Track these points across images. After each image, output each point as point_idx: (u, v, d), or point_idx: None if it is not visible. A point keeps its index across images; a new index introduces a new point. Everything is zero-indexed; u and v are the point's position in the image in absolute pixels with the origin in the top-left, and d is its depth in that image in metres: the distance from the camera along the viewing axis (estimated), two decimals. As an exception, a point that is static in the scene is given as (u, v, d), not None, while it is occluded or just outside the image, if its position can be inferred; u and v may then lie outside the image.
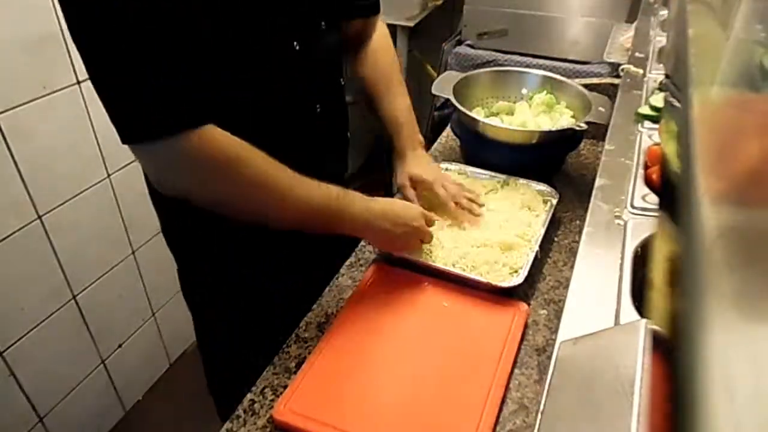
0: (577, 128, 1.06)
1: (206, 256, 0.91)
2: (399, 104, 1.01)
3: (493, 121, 1.18)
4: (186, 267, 0.95)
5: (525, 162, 1.11)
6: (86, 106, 1.34)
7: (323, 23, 0.83)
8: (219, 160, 0.66)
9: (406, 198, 0.99)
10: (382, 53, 1.02)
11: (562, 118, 1.18)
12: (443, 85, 1.17)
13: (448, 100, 1.14)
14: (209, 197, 0.71)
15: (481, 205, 1.00)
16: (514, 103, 1.26)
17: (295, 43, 0.77)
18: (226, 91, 0.69)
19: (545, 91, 1.24)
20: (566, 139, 1.12)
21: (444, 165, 1.14)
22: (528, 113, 1.20)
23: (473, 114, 1.14)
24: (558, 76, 1.24)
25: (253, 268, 0.90)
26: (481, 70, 1.28)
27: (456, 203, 0.97)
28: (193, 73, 0.64)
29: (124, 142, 0.65)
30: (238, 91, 0.72)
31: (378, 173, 2.34)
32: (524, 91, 1.26)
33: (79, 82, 1.31)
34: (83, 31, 0.60)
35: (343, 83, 0.93)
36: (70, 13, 0.60)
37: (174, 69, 0.62)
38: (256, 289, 0.92)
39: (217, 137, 0.66)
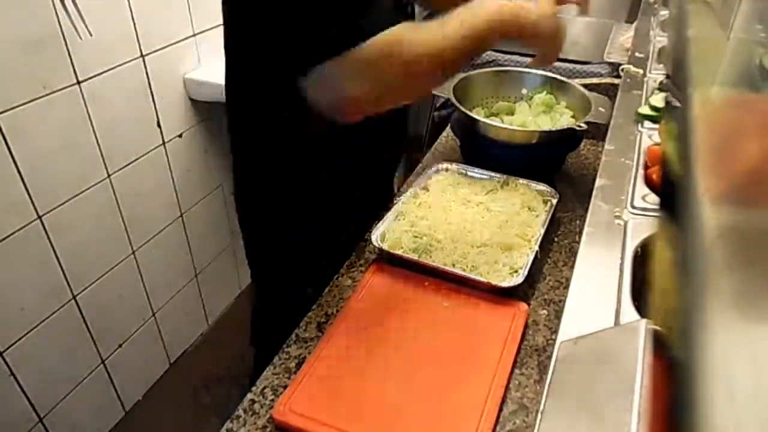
0: (577, 128, 1.06)
1: (275, 218, 1.03)
2: None
3: (493, 121, 1.18)
4: (253, 227, 1.07)
5: (525, 162, 1.11)
6: (86, 106, 1.34)
7: None
8: (390, 48, 0.76)
9: None
10: None
11: (562, 118, 1.18)
12: (443, 85, 1.17)
13: (448, 100, 1.14)
14: (391, 86, 0.79)
15: None
16: (514, 103, 1.26)
17: (410, 6, 0.92)
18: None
19: (545, 91, 1.24)
20: (566, 139, 1.12)
21: (444, 165, 1.14)
22: (528, 113, 1.20)
23: (473, 114, 1.14)
24: (558, 76, 1.24)
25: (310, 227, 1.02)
26: (481, 70, 1.28)
27: None
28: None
29: (317, 61, 0.75)
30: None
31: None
32: (524, 91, 1.26)
33: (79, 82, 1.31)
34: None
35: None
36: None
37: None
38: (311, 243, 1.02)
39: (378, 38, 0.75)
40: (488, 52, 2.09)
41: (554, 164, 1.20)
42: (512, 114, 1.23)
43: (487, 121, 1.12)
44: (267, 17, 0.77)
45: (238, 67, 0.90)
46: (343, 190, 1.01)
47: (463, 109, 1.11)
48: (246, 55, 0.86)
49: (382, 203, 1.08)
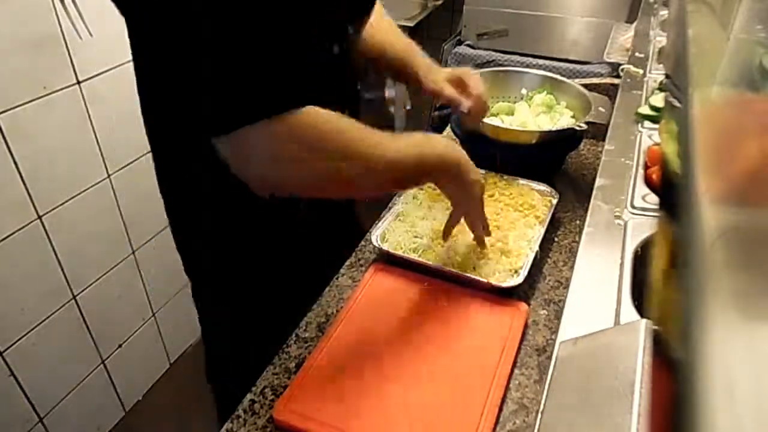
0: (578, 128, 1.06)
1: (217, 252, 0.92)
2: (404, 41, 1.00)
3: (493, 121, 1.18)
4: (195, 262, 0.96)
5: (525, 162, 1.11)
6: (86, 106, 1.34)
7: (350, 28, 0.84)
8: (314, 135, 0.67)
9: (448, 98, 0.99)
10: (379, 20, 0.99)
11: (562, 118, 1.18)
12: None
13: (448, 100, 1.14)
14: (303, 175, 0.70)
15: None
16: (514, 103, 1.26)
17: (335, 46, 0.78)
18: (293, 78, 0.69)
19: (545, 92, 1.23)
20: (566, 139, 1.12)
21: (444, 165, 1.14)
22: (528, 113, 1.20)
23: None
24: (558, 76, 1.24)
25: (262, 263, 0.91)
26: (481, 70, 1.28)
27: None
28: (276, 59, 0.64)
29: (218, 132, 0.64)
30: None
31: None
32: (524, 91, 1.26)
33: (79, 82, 1.31)
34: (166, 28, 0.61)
35: (359, 87, 0.95)
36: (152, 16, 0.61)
37: (262, 55, 0.63)
38: (264, 283, 0.93)
39: (311, 114, 0.66)
40: (488, 52, 2.09)
41: (554, 164, 1.20)
42: (512, 114, 1.23)
43: (487, 120, 1.12)
44: (179, 65, 0.64)
45: (155, 120, 0.80)
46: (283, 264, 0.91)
47: None
48: (160, 110, 0.75)
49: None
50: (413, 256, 0.91)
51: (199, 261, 0.94)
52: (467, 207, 0.85)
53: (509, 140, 1.10)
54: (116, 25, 1.40)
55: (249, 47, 0.62)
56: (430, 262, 0.90)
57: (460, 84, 1.00)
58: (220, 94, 0.62)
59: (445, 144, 0.79)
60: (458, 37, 2.19)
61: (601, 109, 1.09)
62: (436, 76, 1.01)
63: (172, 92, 0.68)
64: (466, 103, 0.99)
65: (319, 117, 0.67)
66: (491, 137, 1.11)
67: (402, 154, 0.73)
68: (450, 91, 0.99)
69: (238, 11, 0.60)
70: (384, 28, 1.00)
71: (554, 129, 1.11)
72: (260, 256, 0.90)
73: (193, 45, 0.60)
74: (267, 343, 0.84)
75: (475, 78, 1.00)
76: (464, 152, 0.80)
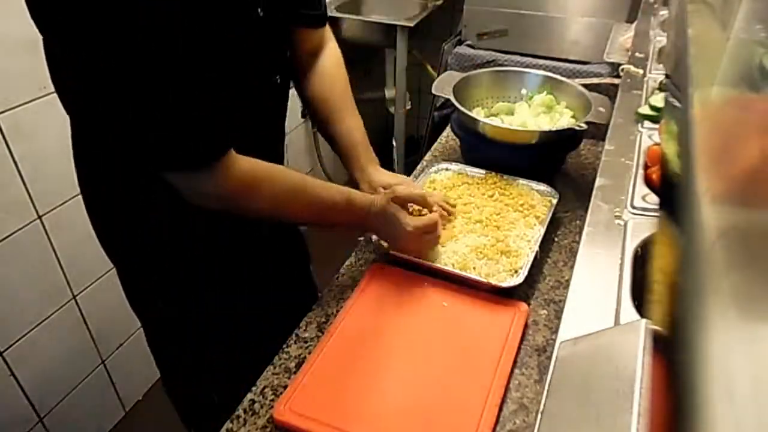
0: (578, 128, 1.06)
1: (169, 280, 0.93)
2: (353, 123, 0.99)
3: (493, 121, 1.18)
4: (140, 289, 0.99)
5: (525, 162, 1.11)
6: (86, 106, 1.34)
7: (288, 52, 0.90)
8: (249, 181, 0.74)
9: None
10: (334, 71, 0.99)
11: (562, 118, 1.18)
12: (443, 85, 1.17)
13: (448, 100, 1.14)
14: (241, 211, 0.77)
15: (453, 206, 1.00)
16: (514, 103, 1.26)
17: (277, 77, 0.85)
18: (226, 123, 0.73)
19: (545, 92, 1.24)
20: (566, 139, 1.12)
21: (444, 165, 1.14)
22: (528, 113, 1.20)
23: (473, 114, 1.14)
24: (558, 77, 1.24)
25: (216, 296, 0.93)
26: (481, 70, 1.28)
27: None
28: (213, 105, 0.69)
29: (158, 169, 0.70)
30: (232, 123, 0.76)
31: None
32: (524, 91, 1.26)
33: (79, 82, 1.31)
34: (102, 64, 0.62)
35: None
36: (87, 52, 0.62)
37: (198, 101, 0.67)
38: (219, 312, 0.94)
39: (242, 161, 0.73)
40: (488, 52, 2.09)
41: (554, 164, 1.20)
42: (512, 114, 1.23)
43: (487, 121, 1.12)
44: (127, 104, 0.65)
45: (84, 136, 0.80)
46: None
47: (463, 109, 1.11)
48: (111, 128, 0.74)
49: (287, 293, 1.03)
50: (413, 256, 0.91)
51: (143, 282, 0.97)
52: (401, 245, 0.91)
53: (509, 140, 1.10)
54: (116, 25, 1.38)
55: (198, 91, 0.66)
56: (430, 262, 0.90)
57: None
58: (174, 136, 0.67)
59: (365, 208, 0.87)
60: (458, 37, 2.19)
61: (600, 109, 1.09)
62: (376, 178, 1.00)
63: (123, 128, 0.70)
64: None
65: (254, 163, 0.75)
66: (491, 137, 1.11)
67: (331, 203, 0.83)
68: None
69: (189, 57, 0.64)
70: (339, 93, 0.99)
71: (554, 129, 1.11)
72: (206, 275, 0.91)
73: (146, 87, 0.63)
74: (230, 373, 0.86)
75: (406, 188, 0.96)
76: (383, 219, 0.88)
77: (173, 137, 0.66)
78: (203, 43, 0.66)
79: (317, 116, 0.99)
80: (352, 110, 1.00)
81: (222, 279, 0.92)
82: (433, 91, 1.18)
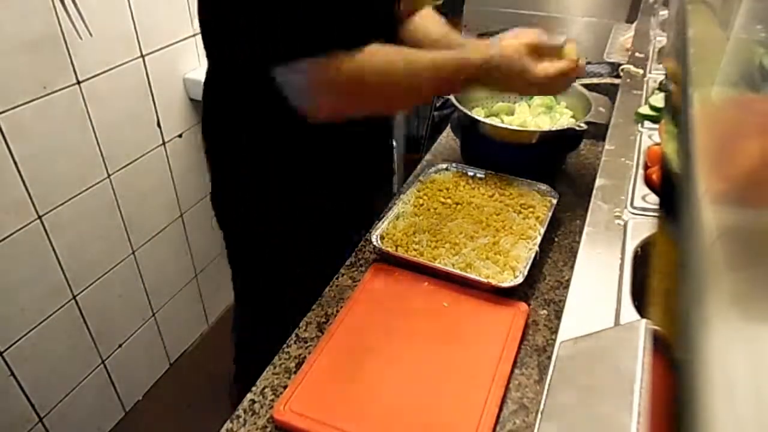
0: (578, 128, 1.06)
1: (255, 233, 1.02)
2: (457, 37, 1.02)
3: (493, 121, 1.18)
4: (235, 238, 1.07)
5: (525, 162, 1.11)
6: (86, 106, 1.34)
7: None
8: (360, 73, 0.76)
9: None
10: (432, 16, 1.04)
11: (562, 118, 1.18)
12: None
13: (448, 99, 1.14)
14: (357, 104, 0.81)
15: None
16: (514, 103, 1.26)
17: (400, 4, 0.90)
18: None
19: None
20: (566, 139, 1.12)
21: (444, 165, 1.14)
22: (528, 113, 1.20)
23: (473, 114, 1.14)
24: None
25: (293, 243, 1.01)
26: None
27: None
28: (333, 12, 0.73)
29: (290, 57, 0.72)
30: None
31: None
32: None
33: (79, 82, 1.31)
34: None
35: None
36: None
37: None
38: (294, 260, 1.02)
39: (352, 56, 0.75)
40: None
41: (554, 164, 1.20)
42: (512, 114, 1.23)
43: (487, 120, 1.12)
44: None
45: (219, 58, 0.88)
46: (327, 193, 0.99)
47: (463, 108, 1.11)
48: (226, 39, 0.82)
49: (371, 211, 1.07)
50: (413, 256, 0.91)
51: (239, 217, 1.03)
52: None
53: (509, 140, 1.10)
54: (116, 25, 1.40)
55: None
56: (430, 262, 0.90)
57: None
58: (300, 25, 0.70)
59: (489, 51, 0.83)
60: (458, 37, 2.19)
61: (601, 109, 1.09)
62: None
63: (247, 34, 0.74)
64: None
65: (376, 53, 0.76)
66: (491, 137, 1.11)
67: (441, 64, 0.81)
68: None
69: None
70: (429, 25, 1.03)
71: (554, 129, 1.11)
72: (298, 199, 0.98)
73: None
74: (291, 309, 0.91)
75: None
76: (516, 60, 0.83)
77: (294, 23, 0.70)
78: None
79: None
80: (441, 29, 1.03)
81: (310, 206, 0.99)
82: None
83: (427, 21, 1.02)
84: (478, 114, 1.20)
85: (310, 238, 1.01)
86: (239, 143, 0.94)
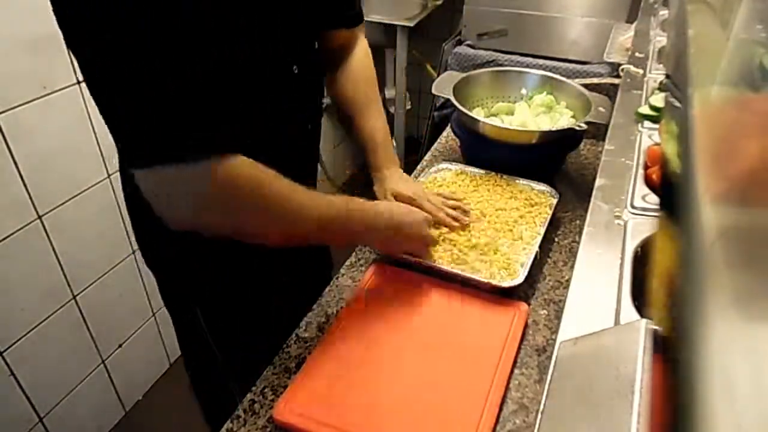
0: (578, 128, 1.06)
1: (193, 275, 0.91)
2: (377, 124, 0.99)
3: (493, 121, 1.18)
4: (170, 282, 0.97)
5: (525, 162, 1.11)
6: (86, 106, 1.34)
7: (316, 43, 0.84)
8: (242, 186, 0.64)
9: None
10: (362, 71, 0.98)
11: (562, 118, 1.18)
12: (443, 85, 1.17)
13: (448, 100, 1.14)
14: (228, 223, 0.68)
15: (466, 212, 0.99)
16: (514, 103, 1.26)
17: (294, 66, 0.77)
18: (232, 117, 0.66)
19: (545, 92, 1.24)
20: (566, 139, 1.12)
21: (444, 165, 1.14)
22: (528, 113, 1.20)
23: (473, 114, 1.14)
24: (558, 76, 1.24)
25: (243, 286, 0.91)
26: (481, 70, 1.28)
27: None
28: (212, 97, 0.60)
29: (141, 165, 0.60)
30: (242, 117, 0.70)
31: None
32: (524, 91, 1.26)
33: (79, 82, 1.31)
34: (91, 44, 0.56)
35: (324, 104, 0.95)
36: (75, 27, 0.57)
37: (194, 90, 0.59)
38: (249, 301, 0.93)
39: (239, 164, 0.63)
40: (488, 52, 2.09)
41: (554, 164, 1.20)
42: (512, 114, 1.23)
43: (487, 120, 1.12)
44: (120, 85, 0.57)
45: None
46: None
47: (463, 109, 1.11)
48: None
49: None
50: (413, 256, 0.91)
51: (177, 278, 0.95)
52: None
53: (509, 140, 1.10)
54: (116, 25, 1.37)
55: (198, 75, 0.58)
56: (430, 262, 0.90)
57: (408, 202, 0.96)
58: (163, 123, 0.58)
59: (373, 214, 0.82)
60: (458, 37, 2.19)
61: (601, 109, 1.09)
62: (389, 186, 0.98)
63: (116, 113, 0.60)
64: None
65: (253, 169, 0.64)
66: (491, 137, 1.11)
67: (329, 216, 0.74)
68: None
69: (192, 36, 0.57)
70: (366, 92, 0.98)
71: (554, 129, 1.11)
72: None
73: (139, 69, 0.55)
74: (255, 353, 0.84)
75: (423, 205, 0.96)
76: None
77: (176, 122, 0.58)
78: (211, 21, 0.59)
79: (343, 114, 1.00)
80: (377, 110, 0.99)
81: (249, 276, 0.90)
82: (433, 91, 1.18)
83: (359, 78, 0.97)
84: (478, 114, 1.20)
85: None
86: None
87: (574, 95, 1.19)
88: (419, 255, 0.90)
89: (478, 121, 1.10)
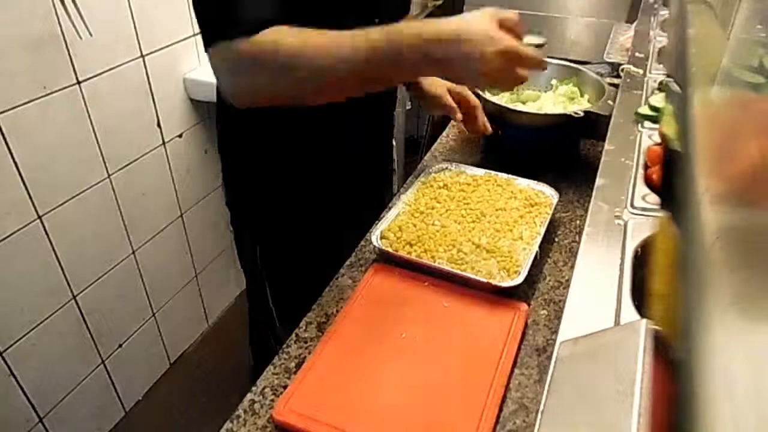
0: (574, 115, 1.08)
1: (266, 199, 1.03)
2: None
3: (497, 100, 1.22)
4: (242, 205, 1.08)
5: (524, 149, 1.16)
6: (86, 106, 1.34)
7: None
8: (263, 50, 0.69)
9: (447, 106, 1.07)
10: None
11: (576, 108, 1.21)
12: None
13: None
14: (276, 88, 0.72)
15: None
16: (545, 92, 1.31)
17: (376, 19, 0.82)
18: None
19: (571, 83, 1.29)
20: (565, 127, 1.16)
21: (444, 165, 1.14)
22: (550, 101, 1.26)
23: (486, 94, 1.21)
24: (584, 69, 1.30)
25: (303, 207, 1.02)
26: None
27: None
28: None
29: (212, 40, 0.70)
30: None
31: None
32: (553, 81, 1.32)
33: (79, 82, 1.31)
34: None
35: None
36: None
37: None
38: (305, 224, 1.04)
39: (267, 32, 0.68)
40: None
41: (553, 156, 1.22)
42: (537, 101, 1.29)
43: (489, 96, 1.19)
44: None
45: None
46: (332, 183, 1.02)
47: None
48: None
49: (378, 198, 1.10)
50: (413, 256, 0.91)
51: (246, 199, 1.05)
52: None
53: (509, 119, 1.16)
54: (116, 25, 1.40)
55: None
56: (430, 262, 0.90)
57: (458, 96, 1.08)
58: (210, 9, 0.70)
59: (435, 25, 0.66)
60: (458, 37, 2.19)
61: (609, 102, 1.11)
62: (437, 84, 1.08)
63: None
64: (459, 115, 1.08)
65: (281, 34, 0.68)
66: (490, 112, 1.16)
67: (372, 50, 0.66)
68: (448, 100, 1.07)
69: None
70: None
71: (547, 113, 1.17)
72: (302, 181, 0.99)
73: None
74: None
75: (471, 95, 1.08)
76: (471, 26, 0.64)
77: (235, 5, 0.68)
78: None
79: None
80: None
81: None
82: None
83: None
84: (502, 98, 1.27)
85: (311, 235, 1.04)
86: (249, 141, 0.97)
87: (597, 88, 1.24)
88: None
89: (481, 96, 1.16)
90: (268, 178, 1.00)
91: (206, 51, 0.72)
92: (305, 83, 0.70)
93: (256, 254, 1.07)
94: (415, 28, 0.65)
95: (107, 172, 1.45)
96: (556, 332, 0.55)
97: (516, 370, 0.77)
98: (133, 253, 1.61)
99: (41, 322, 1.38)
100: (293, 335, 0.84)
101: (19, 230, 1.27)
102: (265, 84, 0.72)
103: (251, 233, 1.08)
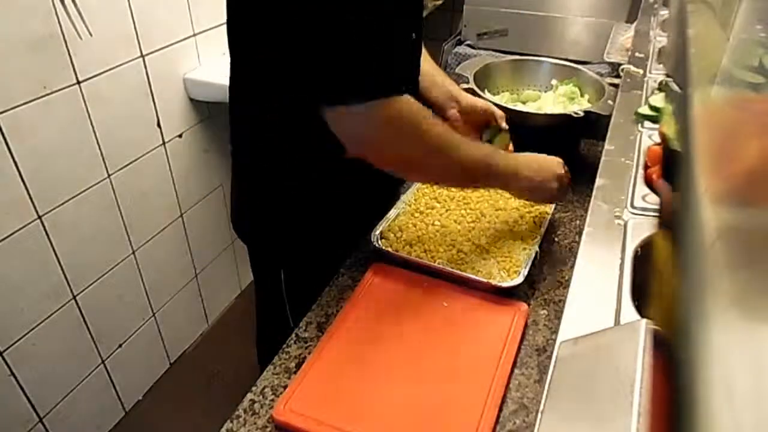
0: (574, 115, 1.08)
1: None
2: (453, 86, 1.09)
3: (495, 100, 1.23)
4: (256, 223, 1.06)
5: (526, 148, 1.17)
6: (86, 106, 1.34)
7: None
8: (412, 123, 0.77)
9: (450, 117, 1.08)
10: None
11: (575, 108, 1.21)
12: (466, 68, 1.27)
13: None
14: (396, 156, 0.80)
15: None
16: (545, 92, 1.32)
17: (413, 34, 0.88)
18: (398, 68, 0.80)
19: (572, 83, 1.29)
20: (565, 127, 1.16)
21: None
22: (549, 101, 1.26)
23: (486, 94, 1.22)
24: (585, 69, 1.30)
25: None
26: (514, 57, 1.39)
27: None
28: (388, 53, 0.74)
29: (342, 102, 0.73)
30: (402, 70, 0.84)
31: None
32: (554, 81, 1.33)
33: (79, 82, 1.31)
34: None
35: None
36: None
37: (381, 48, 0.73)
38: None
39: (411, 103, 0.76)
40: (488, 52, 2.09)
41: (551, 155, 1.23)
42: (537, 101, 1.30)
43: (489, 96, 1.18)
44: (309, 37, 0.72)
45: (248, 77, 0.87)
46: (344, 187, 0.99)
47: (474, 87, 1.16)
48: (261, 70, 0.83)
49: (386, 200, 1.08)
50: (413, 256, 0.91)
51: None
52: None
53: (509, 119, 1.16)
54: (116, 25, 1.40)
55: (370, 32, 0.71)
56: (430, 262, 0.90)
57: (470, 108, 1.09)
58: (347, 71, 0.72)
59: (515, 163, 0.90)
60: (458, 37, 2.19)
61: (610, 102, 1.11)
62: (439, 90, 1.08)
63: (295, 67, 0.76)
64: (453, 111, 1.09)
65: (413, 106, 0.76)
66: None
67: (474, 158, 0.84)
68: (449, 114, 1.08)
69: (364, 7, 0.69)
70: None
71: (547, 113, 1.18)
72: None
73: (331, 28, 0.69)
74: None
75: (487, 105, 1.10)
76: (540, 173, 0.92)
77: (359, 67, 0.71)
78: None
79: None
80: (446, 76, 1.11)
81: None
82: (458, 71, 1.25)
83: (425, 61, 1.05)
84: (503, 97, 1.28)
85: (330, 251, 1.02)
86: (270, 165, 0.96)
87: (597, 88, 1.24)
88: (554, 199, 0.97)
89: (481, 96, 1.17)
90: (290, 200, 0.97)
91: (346, 103, 0.73)
92: (437, 168, 0.83)
93: (281, 279, 1.05)
94: (505, 157, 0.91)
95: (107, 172, 1.45)
96: (556, 332, 0.55)
97: (516, 370, 0.77)
98: (133, 253, 1.61)
99: (41, 322, 1.38)
100: (293, 335, 0.84)
101: (19, 230, 1.27)
102: (413, 150, 0.79)
103: (275, 258, 1.06)
